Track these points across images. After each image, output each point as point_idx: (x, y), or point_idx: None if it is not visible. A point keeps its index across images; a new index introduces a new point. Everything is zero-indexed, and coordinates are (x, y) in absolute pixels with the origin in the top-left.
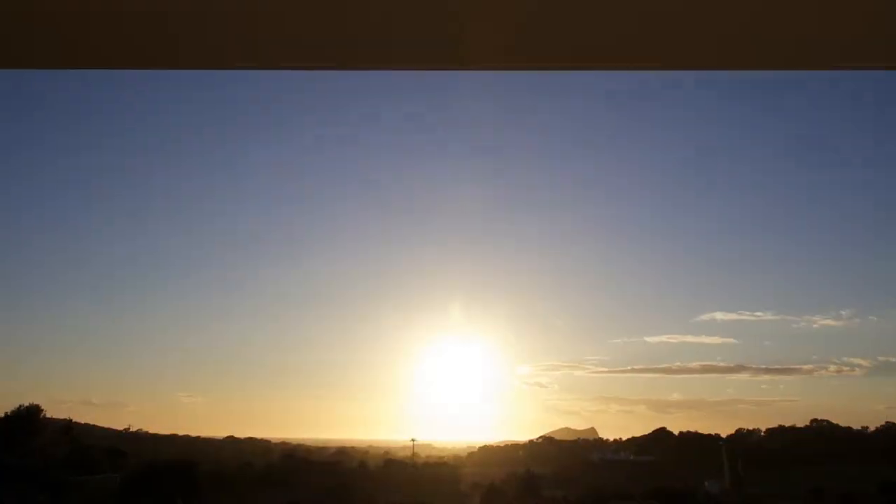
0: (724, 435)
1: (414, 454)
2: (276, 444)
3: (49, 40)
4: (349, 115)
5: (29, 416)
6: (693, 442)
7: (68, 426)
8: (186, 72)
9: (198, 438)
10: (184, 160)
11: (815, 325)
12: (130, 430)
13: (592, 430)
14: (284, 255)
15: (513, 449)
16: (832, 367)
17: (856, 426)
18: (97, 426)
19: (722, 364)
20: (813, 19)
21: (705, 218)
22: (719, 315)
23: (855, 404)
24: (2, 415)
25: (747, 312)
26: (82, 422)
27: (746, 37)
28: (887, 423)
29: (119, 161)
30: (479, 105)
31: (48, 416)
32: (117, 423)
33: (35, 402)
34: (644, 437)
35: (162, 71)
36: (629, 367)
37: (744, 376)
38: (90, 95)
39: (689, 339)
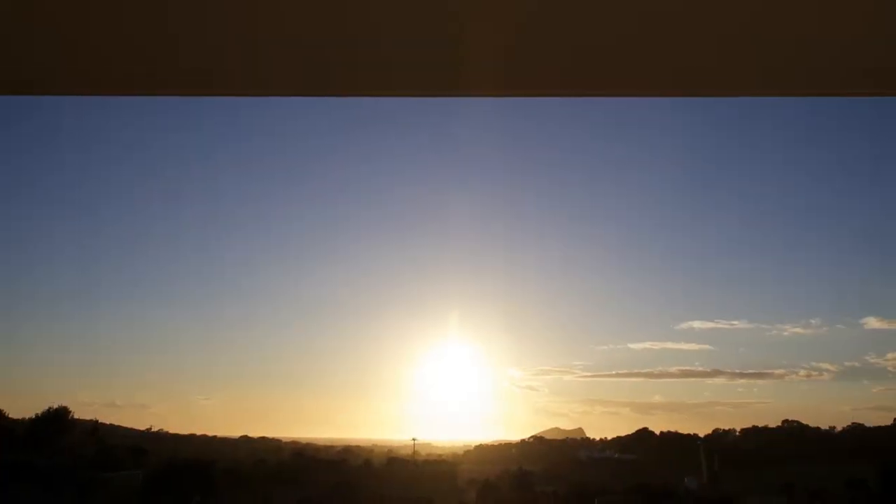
0: (702, 435)
1: (415, 452)
2: (286, 443)
3: (70, 66)
4: (354, 138)
5: (57, 418)
6: (673, 441)
7: (94, 427)
8: (199, 98)
9: (214, 438)
10: (205, 181)
11: (785, 333)
12: (152, 430)
13: (580, 430)
14: (295, 269)
15: (506, 448)
16: (802, 372)
17: (824, 426)
18: (121, 426)
19: (700, 369)
20: (791, 45)
21: (684, 235)
22: (697, 324)
23: (823, 406)
24: (31, 416)
25: (723, 321)
26: (107, 422)
27: (726, 64)
28: (853, 423)
29: (144, 180)
30: (476, 129)
31: (75, 417)
32: (140, 424)
33: (63, 405)
34: (628, 436)
35: (168, 97)
36: (614, 372)
37: (720, 380)
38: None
39: (670, 345)
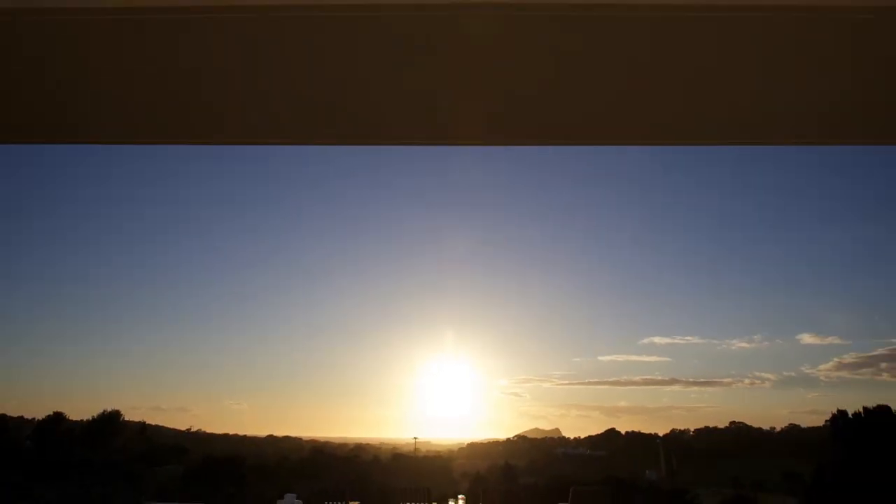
0: (661, 434)
1: (416, 449)
2: (306, 442)
3: (90, 117)
4: (365, 181)
5: (110, 420)
6: (636, 440)
7: (143, 427)
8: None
9: (244, 437)
10: (244, 221)
11: (732, 347)
12: (192, 430)
13: (557, 430)
14: (315, 295)
15: (494, 445)
16: (746, 381)
17: (765, 427)
18: (165, 427)
19: (659, 378)
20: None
21: (646, 264)
22: (657, 339)
23: (764, 410)
24: (89, 418)
25: (679, 337)
26: (153, 423)
27: (690, 114)
28: (790, 424)
29: (187, 209)
30: (467, 172)
31: (126, 419)
32: (181, 425)
33: (115, 408)
34: (598, 435)
35: (201, 146)
36: (586, 381)
37: (676, 388)
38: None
39: (633, 358)
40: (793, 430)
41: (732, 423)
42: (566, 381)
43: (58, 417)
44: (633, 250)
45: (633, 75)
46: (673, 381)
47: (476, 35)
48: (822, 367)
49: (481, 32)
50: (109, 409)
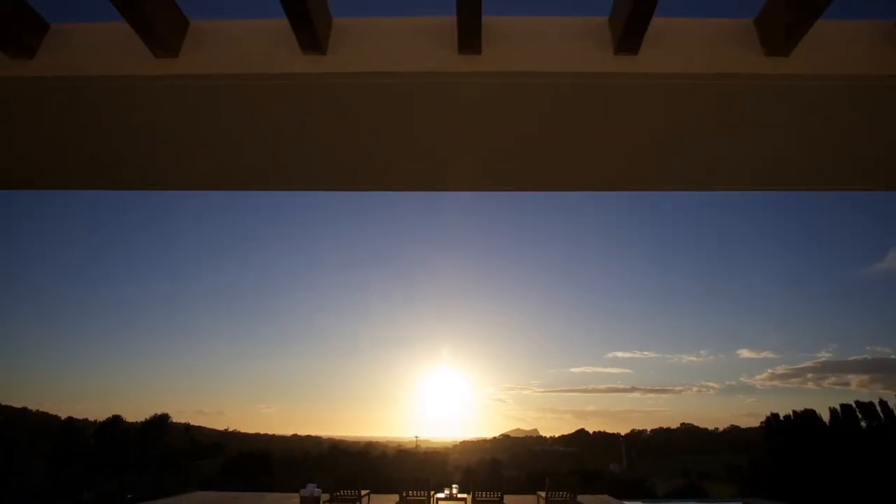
0: (622, 433)
1: (417, 446)
2: (325, 440)
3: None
4: (371, 223)
5: (159, 422)
6: (602, 438)
7: (187, 427)
8: (269, 193)
9: (273, 436)
10: (272, 255)
11: (683, 360)
12: (228, 430)
13: (535, 430)
14: (334, 317)
15: (482, 443)
16: (695, 388)
17: (710, 427)
18: (206, 427)
19: (621, 386)
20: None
21: (609, 291)
22: (619, 353)
23: (710, 413)
24: (142, 420)
25: (637, 352)
26: (196, 424)
27: (640, 166)
28: (731, 425)
29: (222, 250)
30: (460, 214)
31: (173, 420)
32: (219, 426)
33: (164, 412)
34: (569, 435)
35: (239, 192)
36: (559, 388)
37: (636, 394)
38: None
39: (600, 369)
40: (733, 430)
41: (683, 424)
42: (543, 389)
43: (116, 419)
44: (598, 280)
45: (599, 133)
46: (633, 389)
47: (468, 99)
48: (757, 377)
49: (472, 96)
50: (159, 413)
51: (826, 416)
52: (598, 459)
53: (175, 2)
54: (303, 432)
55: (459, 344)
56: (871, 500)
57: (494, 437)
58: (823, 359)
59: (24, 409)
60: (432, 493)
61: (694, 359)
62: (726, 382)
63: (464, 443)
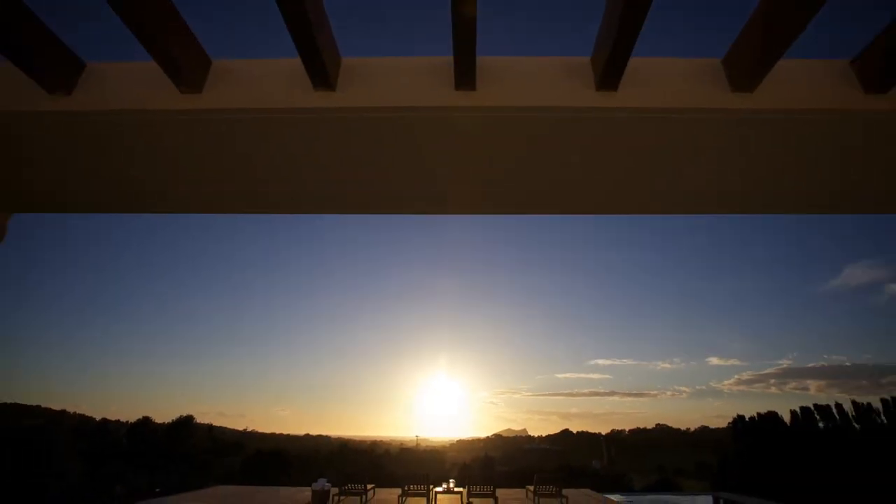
0: (603, 433)
1: (418, 444)
2: (335, 439)
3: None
4: (377, 244)
5: (185, 423)
6: (585, 438)
7: (210, 428)
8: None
9: (288, 435)
10: (288, 274)
11: (658, 367)
12: (247, 430)
13: (525, 430)
14: (344, 329)
15: (476, 442)
16: (669, 392)
17: (682, 427)
18: (227, 428)
19: (602, 390)
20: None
21: (591, 304)
22: (601, 361)
23: (682, 414)
24: (168, 421)
25: (617, 359)
26: (218, 425)
27: (625, 191)
28: (701, 426)
29: (243, 271)
30: (457, 235)
31: (197, 421)
32: (239, 426)
33: (189, 414)
34: (555, 434)
35: (259, 215)
36: (547, 392)
37: (615, 398)
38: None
39: (583, 375)
40: (704, 430)
41: (658, 424)
42: (531, 393)
43: (146, 420)
44: (581, 295)
45: (584, 161)
46: (612, 393)
47: (464, 131)
48: (725, 382)
49: (468, 129)
50: (184, 415)
51: (787, 418)
52: (581, 457)
53: (199, 42)
54: (314, 432)
55: (456, 353)
56: (829, 496)
57: (487, 437)
58: (785, 366)
59: (63, 412)
60: (431, 487)
61: (668, 366)
62: (697, 387)
63: (460, 442)
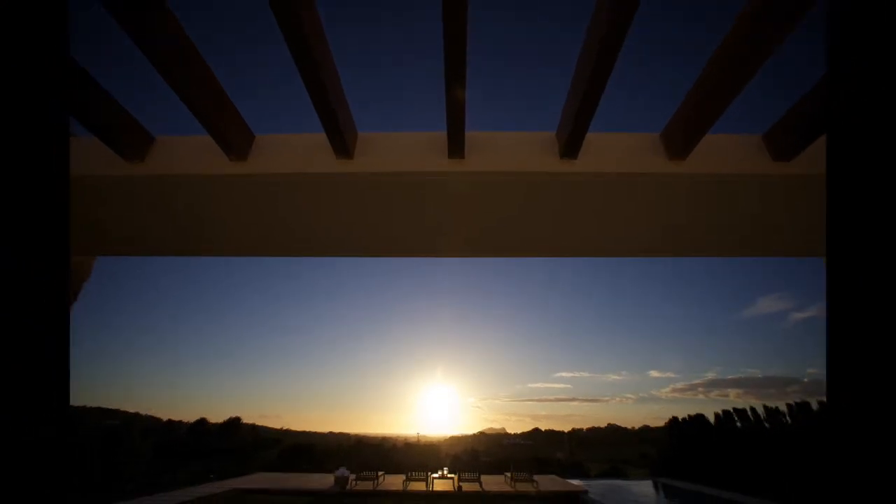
0: (566, 431)
1: (418, 440)
2: (352, 436)
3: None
4: (383, 282)
5: (233, 423)
6: (552, 435)
7: (253, 427)
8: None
9: (315, 433)
10: (311, 304)
11: (609, 379)
12: (283, 429)
13: (503, 428)
14: (360, 349)
15: (465, 438)
16: (618, 399)
17: (629, 427)
18: (266, 427)
19: (565, 397)
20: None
21: (558, 329)
22: (563, 373)
23: (628, 417)
24: (220, 421)
25: (576, 372)
26: (259, 425)
27: (602, 235)
28: (644, 425)
29: (280, 304)
30: (453, 275)
31: (243, 421)
32: (276, 426)
33: (237, 415)
34: (528, 431)
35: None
36: (521, 398)
37: (575, 403)
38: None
39: (549, 385)
40: (646, 429)
41: (609, 424)
42: (509, 399)
43: (202, 420)
44: (549, 321)
45: (554, 215)
46: (573, 399)
47: (456, 191)
48: (663, 390)
49: (459, 190)
50: (233, 416)
51: (712, 419)
52: (548, 450)
53: (244, 121)
54: (336, 430)
55: (450, 366)
56: (745, 479)
57: (474, 434)
58: (710, 377)
59: (136, 414)
60: (429, 473)
61: (617, 377)
62: (640, 394)
63: (452, 438)
